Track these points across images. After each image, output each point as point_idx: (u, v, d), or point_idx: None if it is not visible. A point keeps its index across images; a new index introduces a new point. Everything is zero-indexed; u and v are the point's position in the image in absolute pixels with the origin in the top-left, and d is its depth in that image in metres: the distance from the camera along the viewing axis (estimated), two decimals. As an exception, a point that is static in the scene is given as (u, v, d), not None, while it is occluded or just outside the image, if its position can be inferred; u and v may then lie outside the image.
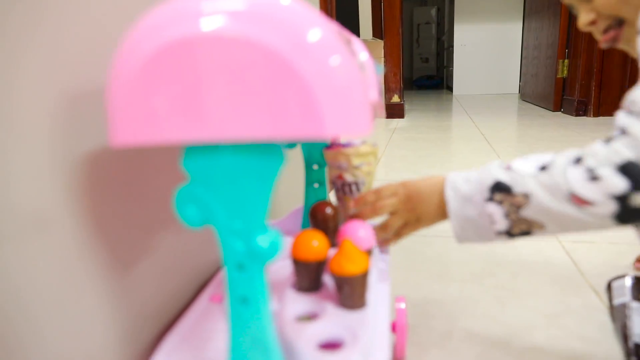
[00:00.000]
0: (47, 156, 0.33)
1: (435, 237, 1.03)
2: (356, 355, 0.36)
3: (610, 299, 0.63)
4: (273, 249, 0.30)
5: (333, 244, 0.52)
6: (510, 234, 0.46)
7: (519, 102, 3.59)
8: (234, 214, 0.30)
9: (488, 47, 4.19)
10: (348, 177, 0.56)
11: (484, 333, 0.68)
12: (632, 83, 2.48)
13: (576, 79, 2.61)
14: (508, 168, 0.47)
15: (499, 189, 0.45)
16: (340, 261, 0.40)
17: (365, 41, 2.67)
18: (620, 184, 0.38)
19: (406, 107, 3.27)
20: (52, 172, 0.33)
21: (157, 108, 0.28)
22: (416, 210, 0.52)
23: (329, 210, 0.54)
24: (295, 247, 0.44)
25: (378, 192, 0.54)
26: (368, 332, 0.39)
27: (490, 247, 0.96)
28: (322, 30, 0.27)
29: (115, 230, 0.39)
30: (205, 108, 0.27)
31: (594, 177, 0.39)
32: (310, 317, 0.42)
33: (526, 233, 0.46)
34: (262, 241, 0.30)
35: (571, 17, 2.63)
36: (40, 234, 0.32)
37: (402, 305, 0.59)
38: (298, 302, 0.43)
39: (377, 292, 0.47)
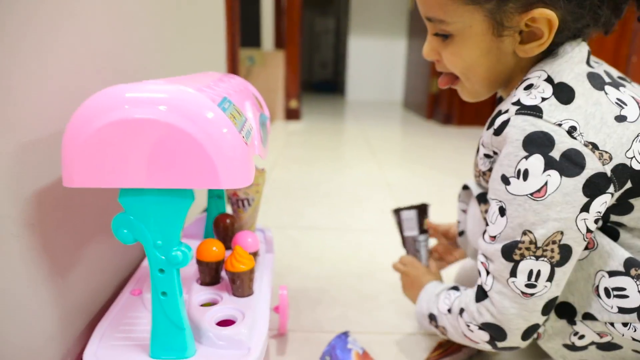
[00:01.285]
0: (4, 188, 0.44)
1: (315, 229, 1.24)
2: (244, 328, 0.52)
3: (401, 228, 0.79)
4: (185, 259, 0.45)
5: (230, 247, 0.68)
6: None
7: (402, 109, 4.03)
8: (157, 235, 0.45)
9: (378, 59, 4.59)
10: (241, 194, 0.72)
11: (344, 299, 0.90)
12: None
13: (444, 95, 3.04)
14: (436, 303, 0.62)
15: (432, 319, 0.63)
16: (232, 261, 0.56)
17: (267, 53, 2.82)
18: (485, 335, 0.54)
19: (304, 110, 3.48)
20: (9, 201, 0.44)
21: (101, 163, 0.41)
22: (406, 287, 0.75)
23: (228, 221, 0.69)
24: (199, 251, 0.59)
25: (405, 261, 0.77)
26: (253, 312, 0.55)
27: (357, 237, 1.19)
28: (215, 111, 0.42)
29: (55, 243, 0.51)
30: (135, 165, 0.41)
31: (470, 329, 0.55)
32: (211, 303, 0.57)
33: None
34: (177, 253, 0.45)
35: (443, 40, 3.05)
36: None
37: (284, 292, 0.76)
38: (201, 293, 0.58)
39: (262, 283, 0.64)
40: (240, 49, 2.42)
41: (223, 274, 0.61)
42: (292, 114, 3.08)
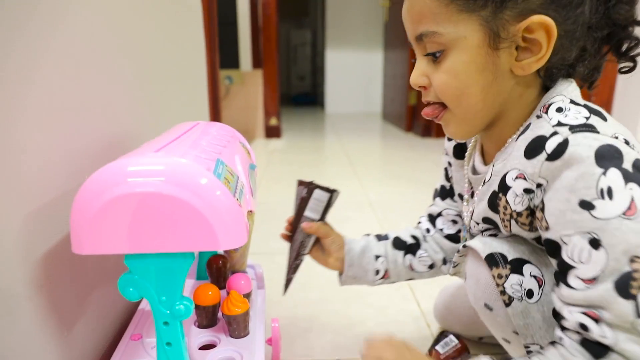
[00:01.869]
0: (16, 255, 0.47)
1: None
2: (242, 368, 0.56)
3: (303, 205, 0.71)
4: (187, 312, 0.49)
5: (223, 287, 0.71)
6: None
7: (381, 121, 4.11)
8: (161, 291, 0.48)
9: (356, 71, 4.69)
10: (232, 235, 0.76)
11: (334, 325, 0.94)
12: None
13: (422, 107, 3.12)
14: None
15: None
16: (228, 305, 0.60)
17: (245, 72, 2.87)
18: None
19: (284, 126, 3.53)
20: (20, 266, 0.47)
21: (108, 233, 0.45)
22: None
23: (220, 262, 0.73)
24: (196, 296, 0.63)
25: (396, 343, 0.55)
26: (250, 352, 0.59)
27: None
28: (209, 178, 0.47)
29: (61, 299, 0.54)
30: (139, 233, 0.45)
31: None
32: (210, 345, 0.61)
33: None
34: (180, 307, 0.49)
35: (417, 54, 3.14)
36: (10, 315, 0.46)
37: (276, 324, 0.80)
38: (200, 336, 0.62)
39: (256, 321, 0.68)
40: (219, 70, 2.46)
41: (219, 315, 0.65)
42: (272, 132, 3.12)
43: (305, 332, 0.91)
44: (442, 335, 0.81)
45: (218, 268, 0.73)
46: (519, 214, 0.51)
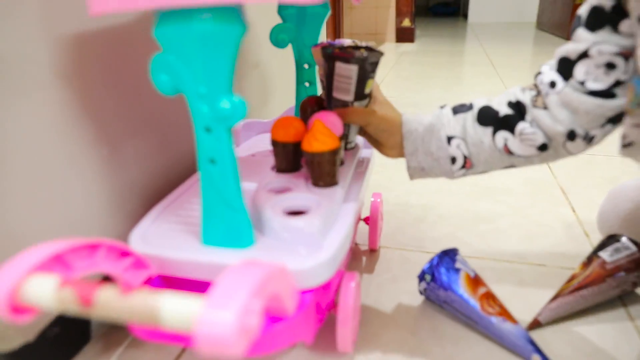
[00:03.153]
0: (39, 28, 0.35)
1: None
2: (317, 220, 0.40)
3: (328, 81, 0.51)
4: (236, 112, 0.33)
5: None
6: None
7: (535, 31, 3.45)
8: (200, 79, 0.33)
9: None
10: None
11: (455, 219, 0.73)
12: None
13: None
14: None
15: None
16: (309, 139, 0.43)
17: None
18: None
19: (418, 32, 3.16)
20: (44, 44, 0.36)
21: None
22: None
23: (317, 106, 0.56)
24: (274, 129, 0.47)
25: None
26: (333, 204, 0.43)
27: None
28: None
29: (102, 107, 0.43)
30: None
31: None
32: (283, 190, 0.46)
33: None
34: (225, 104, 0.33)
35: None
36: (30, 96, 0.35)
37: (378, 199, 0.63)
38: (274, 181, 0.47)
39: (351, 174, 0.51)
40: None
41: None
42: (404, 35, 2.79)
43: (417, 222, 0.73)
44: (611, 239, 0.56)
45: (314, 112, 0.55)
46: None
